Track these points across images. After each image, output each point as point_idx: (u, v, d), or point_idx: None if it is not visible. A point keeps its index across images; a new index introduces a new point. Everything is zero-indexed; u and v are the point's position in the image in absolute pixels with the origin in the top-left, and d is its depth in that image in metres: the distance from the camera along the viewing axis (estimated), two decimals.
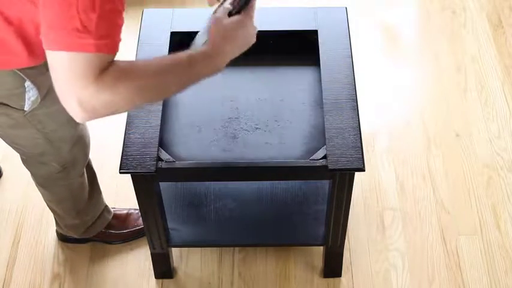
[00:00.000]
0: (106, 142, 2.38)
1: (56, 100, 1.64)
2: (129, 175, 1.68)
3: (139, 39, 1.88)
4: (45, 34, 1.23)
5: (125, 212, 2.17)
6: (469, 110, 2.49)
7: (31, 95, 1.56)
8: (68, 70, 1.23)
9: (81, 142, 1.81)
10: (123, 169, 1.65)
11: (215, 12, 1.46)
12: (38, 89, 1.56)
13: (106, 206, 2.10)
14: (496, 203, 2.24)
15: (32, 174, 1.89)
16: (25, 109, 1.58)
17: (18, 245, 2.16)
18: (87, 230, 2.08)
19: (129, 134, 1.70)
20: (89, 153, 1.90)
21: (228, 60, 1.42)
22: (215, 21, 1.42)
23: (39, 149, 1.73)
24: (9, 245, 2.17)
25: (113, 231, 2.13)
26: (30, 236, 2.18)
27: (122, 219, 2.15)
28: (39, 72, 1.53)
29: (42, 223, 2.21)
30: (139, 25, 1.93)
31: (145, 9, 1.97)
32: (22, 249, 2.16)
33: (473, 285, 2.05)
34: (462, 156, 2.36)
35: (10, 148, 1.76)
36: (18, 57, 1.45)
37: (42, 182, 1.89)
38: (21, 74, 1.50)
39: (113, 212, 2.13)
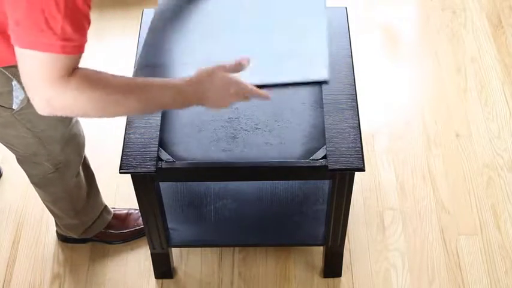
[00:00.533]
0: (106, 142, 2.38)
1: None
2: (129, 175, 1.68)
3: (139, 39, 1.88)
4: (13, 30, 1.24)
5: (125, 212, 2.17)
6: (469, 110, 2.49)
7: (18, 94, 1.56)
8: (34, 68, 1.25)
9: (73, 142, 1.81)
10: (123, 169, 1.65)
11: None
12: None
13: (105, 206, 2.10)
14: (496, 203, 2.24)
15: (27, 174, 1.89)
16: (13, 108, 1.59)
17: (18, 245, 2.16)
18: (87, 231, 2.08)
19: (129, 134, 1.70)
20: (83, 154, 1.89)
21: (190, 105, 1.44)
22: (212, 65, 1.44)
23: (31, 149, 1.73)
24: (9, 245, 2.17)
25: (112, 231, 2.13)
26: (30, 236, 2.18)
27: (121, 219, 2.15)
28: None
29: (42, 223, 2.21)
30: (139, 25, 1.93)
31: (145, 9, 1.97)
32: (22, 249, 2.16)
33: (473, 285, 2.05)
34: (462, 156, 2.37)
35: None
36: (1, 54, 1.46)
37: (37, 182, 1.89)
38: (6, 72, 1.50)
39: (112, 212, 2.13)
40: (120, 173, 1.65)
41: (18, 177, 2.30)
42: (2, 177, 2.33)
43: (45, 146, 1.73)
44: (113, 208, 2.15)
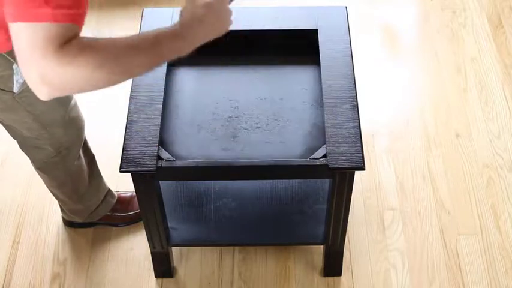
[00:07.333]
0: (106, 142, 2.37)
1: None
2: (129, 174, 1.69)
3: None
4: (6, 7, 1.18)
5: (129, 194, 2.19)
6: (469, 110, 2.49)
7: (19, 77, 1.57)
8: (27, 41, 1.16)
9: (74, 125, 1.83)
10: (123, 168, 1.65)
11: None
12: None
13: (109, 190, 2.11)
14: (496, 203, 2.24)
15: (31, 159, 1.91)
16: (14, 91, 1.59)
17: (18, 245, 2.16)
18: (91, 215, 2.09)
19: (129, 133, 1.70)
20: (83, 137, 1.91)
21: (198, 43, 1.36)
22: (189, 2, 1.38)
23: (33, 132, 1.75)
24: (9, 244, 2.17)
25: (118, 214, 2.14)
26: (30, 236, 2.18)
27: (126, 202, 2.17)
28: None
29: (42, 223, 2.21)
30: (139, 25, 1.93)
31: (145, 9, 1.97)
32: (22, 249, 2.15)
33: (473, 285, 2.05)
34: (462, 156, 2.36)
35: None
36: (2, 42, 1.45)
37: (40, 167, 1.91)
38: (8, 56, 1.51)
39: (116, 195, 2.14)
40: (121, 171, 1.65)
41: (18, 177, 2.30)
42: (2, 177, 2.32)
43: (47, 130, 1.75)
44: (116, 192, 2.16)
